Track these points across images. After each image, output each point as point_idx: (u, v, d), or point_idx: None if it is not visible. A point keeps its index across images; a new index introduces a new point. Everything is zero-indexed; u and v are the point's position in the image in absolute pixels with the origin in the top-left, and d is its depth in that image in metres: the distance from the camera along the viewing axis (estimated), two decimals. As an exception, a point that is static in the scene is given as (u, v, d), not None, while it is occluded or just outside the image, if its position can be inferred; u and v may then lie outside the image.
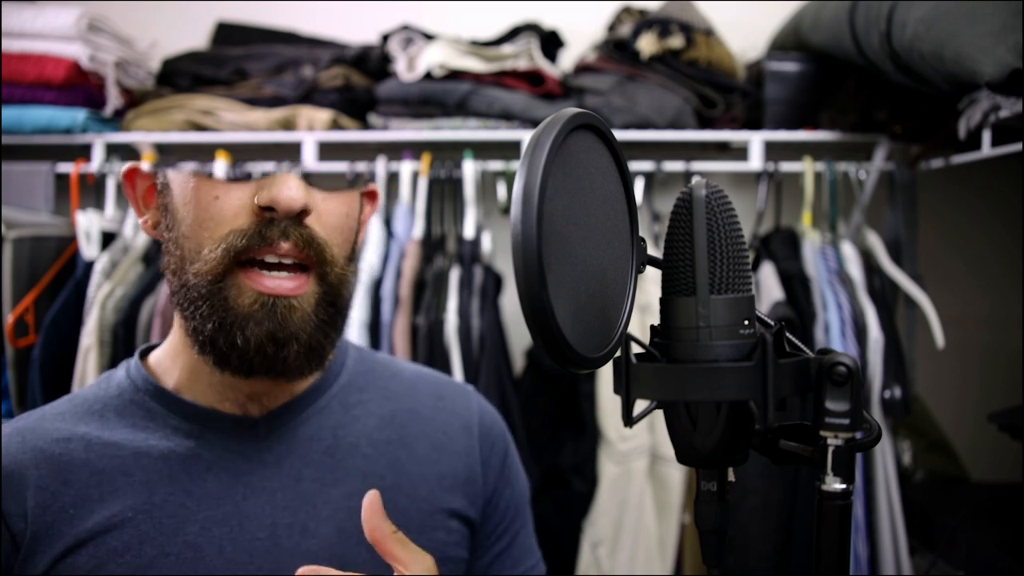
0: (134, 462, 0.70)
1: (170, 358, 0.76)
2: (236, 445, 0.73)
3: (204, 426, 0.73)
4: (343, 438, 0.77)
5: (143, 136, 1.75)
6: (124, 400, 0.74)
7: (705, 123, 1.73)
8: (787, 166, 1.69)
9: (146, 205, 0.76)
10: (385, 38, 1.84)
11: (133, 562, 0.67)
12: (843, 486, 0.46)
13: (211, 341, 0.67)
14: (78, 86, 1.73)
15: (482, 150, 1.73)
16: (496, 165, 1.71)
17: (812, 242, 1.65)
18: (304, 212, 0.67)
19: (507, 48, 1.74)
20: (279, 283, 0.67)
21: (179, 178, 0.70)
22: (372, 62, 1.83)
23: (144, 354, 0.79)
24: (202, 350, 0.69)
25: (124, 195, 0.77)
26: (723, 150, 1.92)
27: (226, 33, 1.98)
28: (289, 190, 0.66)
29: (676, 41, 1.68)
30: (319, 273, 0.69)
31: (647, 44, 1.68)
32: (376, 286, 1.62)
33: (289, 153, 1.72)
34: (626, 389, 0.47)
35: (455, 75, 1.71)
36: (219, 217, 0.67)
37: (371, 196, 0.81)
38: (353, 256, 0.74)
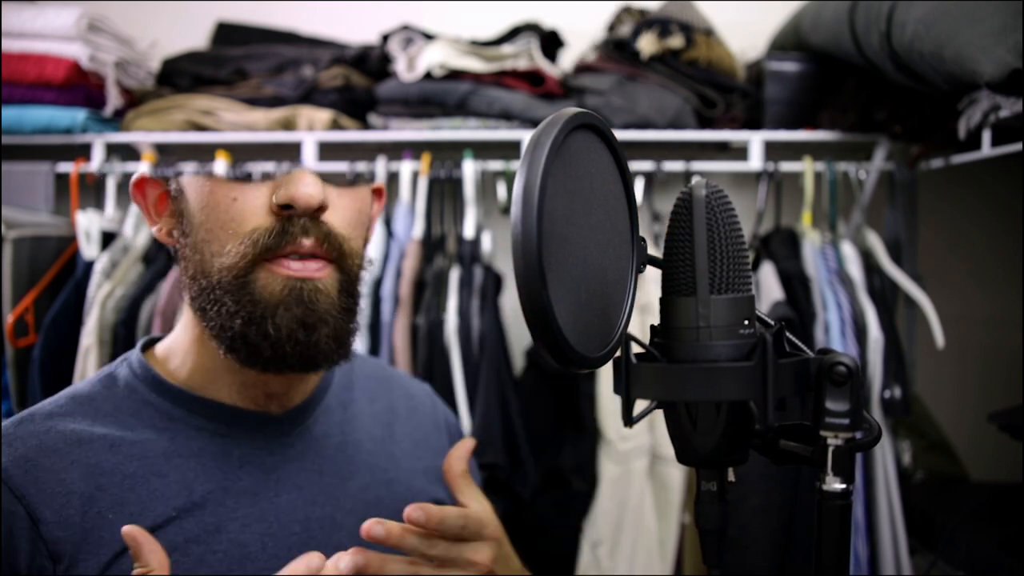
0: (165, 462, 0.70)
1: (181, 357, 0.75)
2: (262, 442, 0.74)
3: (230, 424, 0.73)
4: (349, 434, 0.81)
5: (143, 136, 1.75)
6: (137, 401, 0.73)
7: (705, 123, 1.73)
8: (787, 166, 1.69)
9: (158, 213, 0.75)
10: (385, 38, 1.84)
11: (182, 561, 0.66)
12: (843, 486, 0.46)
13: (242, 336, 0.67)
14: (78, 86, 1.73)
15: (482, 150, 1.73)
16: (496, 165, 1.71)
17: (812, 242, 1.65)
18: (321, 208, 0.68)
19: (507, 48, 1.74)
20: (304, 266, 0.68)
21: (193, 183, 0.71)
22: (372, 62, 1.83)
23: (143, 350, 0.78)
24: (231, 348, 0.68)
25: (134, 201, 0.76)
26: (723, 150, 1.92)
27: (226, 33, 1.98)
28: (307, 187, 0.67)
29: (676, 41, 1.68)
30: (339, 265, 0.71)
31: (647, 44, 1.68)
32: (376, 286, 1.61)
33: (289, 153, 1.72)
34: (626, 389, 0.47)
35: (455, 75, 1.71)
36: (239, 217, 0.68)
37: (379, 193, 0.82)
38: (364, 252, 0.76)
